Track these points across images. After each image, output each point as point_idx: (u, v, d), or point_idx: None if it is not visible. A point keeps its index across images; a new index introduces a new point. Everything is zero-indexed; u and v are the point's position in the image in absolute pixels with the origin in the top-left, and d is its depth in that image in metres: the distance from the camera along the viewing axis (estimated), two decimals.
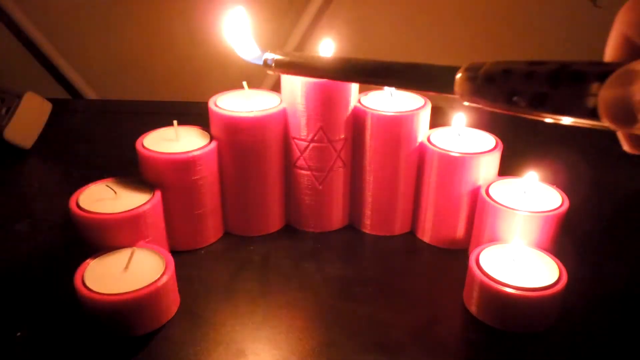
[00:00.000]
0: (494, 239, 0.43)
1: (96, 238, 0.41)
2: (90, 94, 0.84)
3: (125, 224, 0.41)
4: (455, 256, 0.47)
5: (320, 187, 0.48)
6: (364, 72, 0.28)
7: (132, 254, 0.39)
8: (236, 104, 0.46)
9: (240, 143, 0.45)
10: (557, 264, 0.40)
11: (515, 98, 0.21)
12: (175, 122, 0.46)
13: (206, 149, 0.44)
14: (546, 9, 0.75)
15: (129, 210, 0.40)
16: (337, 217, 0.50)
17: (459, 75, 0.23)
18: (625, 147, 0.22)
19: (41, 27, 0.80)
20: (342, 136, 0.46)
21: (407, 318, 0.40)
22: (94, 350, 0.37)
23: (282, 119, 0.46)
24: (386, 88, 0.49)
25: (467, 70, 0.23)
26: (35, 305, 0.41)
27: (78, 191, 0.43)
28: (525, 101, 0.21)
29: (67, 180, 0.59)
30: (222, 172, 0.47)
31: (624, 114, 0.18)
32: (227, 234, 0.49)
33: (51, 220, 0.51)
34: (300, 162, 0.47)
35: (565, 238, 0.44)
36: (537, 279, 0.38)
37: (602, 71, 0.19)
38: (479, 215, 0.45)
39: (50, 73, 0.83)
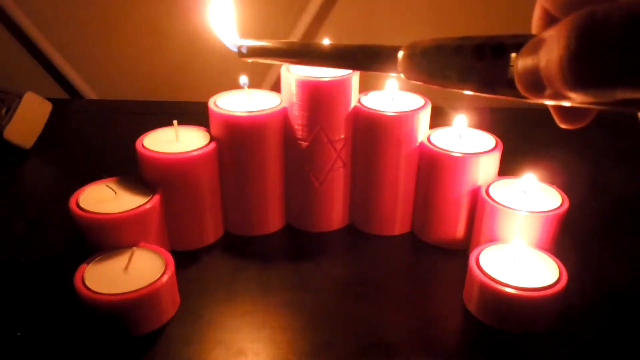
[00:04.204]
0: (494, 239, 0.43)
1: (96, 238, 0.41)
2: (90, 94, 0.84)
3: (125, 224, 0.41)
4: (455, 256, 0.47)
5: (320, 187, 0.48)
6: (319, 55, 0.30)
7: (132, 254, 0.39)
8: (236, 104, 0.46)
9: (240, 143, 0.45)
10: (557, 264, 0.40)
11: (447, 72, 0.22)
12: (175, 122, 0.46)
13: (206, 149, 0.44)
14: None
15: (129, 210, 0.40)
16: (337, 217, 0.50)
17: (400, 54, 0.24)
18: (556, 120, 0.23)
19: (41, 27, 0.79)
20: (342, 136, 0.46)
21: (406, 318, 0.40)
22: (94, 350, 0.37)
23: (282, 118, 0.46)
24: (386, 88, 0.49)
25: (408, 48, 0.24)
26: (35, 305, 0.41)
27: (78, 191, 0.43)
28: (455, 75, 0.22)
29: (67, 180, 0.59)
30: (222, 172, 0.47)
31: (533, 81, 0.18)
32: (227, 234, 0.49)
33: (51, 220, 0.51)
34: (300, 162, 0.47)
35: (565, 238, 0.44)
36: (537, 279, 0.38)
37: (520, 42, 0.19)
38: (479, 215, 0.45)
39: (50, 73, 0.83)
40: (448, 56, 0.22)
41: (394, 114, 0.45)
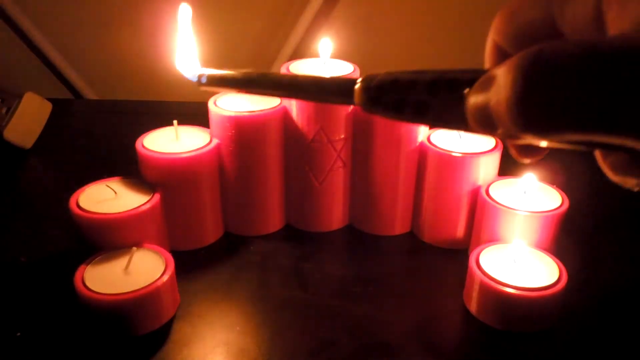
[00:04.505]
0: (494, 239, 0.43)
1: (96, 238, 0.41)
2: (90, 94, 0.84)
3: (125, 224, 0.41)
4: (455, 256, 0.47)
5: (320, 187, 0.48)
6: (276, 86, 0.30)
7: (132, 254, 0.39)
8: (236, 103, 0.46)
9: (240, 143, 0.45)
10: (557, 264, 0.40)
11: (402, 107, 0.22)
12: (175, 122, 0.46)
13: (206, 149, 0.44)
14: None
15: (129, 210, 0.40)
16: (337, 217, 0.50)
17: (357, 86, 0.24)
18: (513, 155, 0.22)
19: (41, 27, 0.79)
20: (342, 136, 0.46)
21: (406, 318, 0.40)
22: (94, 350, 0.37)
23: (282, 118, 0.46)
24: None
25: (364, 81, 0.24)
26: (35, 305, 0.41)
27: (78, 191, 0.43)
28: (410, 110, 0.21)
29: (67, 180, 0.59)
30: (222, 172, 0.47)
31: (485, 120, 0.18)
32: (227, 234, 0.49)
33: (51, 221, 0.51)
34: (300, 162, 0.47)
35: (565, 238, 0.44)
36: (537, 279, 0.38)
37: (473, 78, 0.19)
38: (479, 215, 0.45)
39: (51, 73, 0.83)
40: (402, 91, 0.21)
41: None
